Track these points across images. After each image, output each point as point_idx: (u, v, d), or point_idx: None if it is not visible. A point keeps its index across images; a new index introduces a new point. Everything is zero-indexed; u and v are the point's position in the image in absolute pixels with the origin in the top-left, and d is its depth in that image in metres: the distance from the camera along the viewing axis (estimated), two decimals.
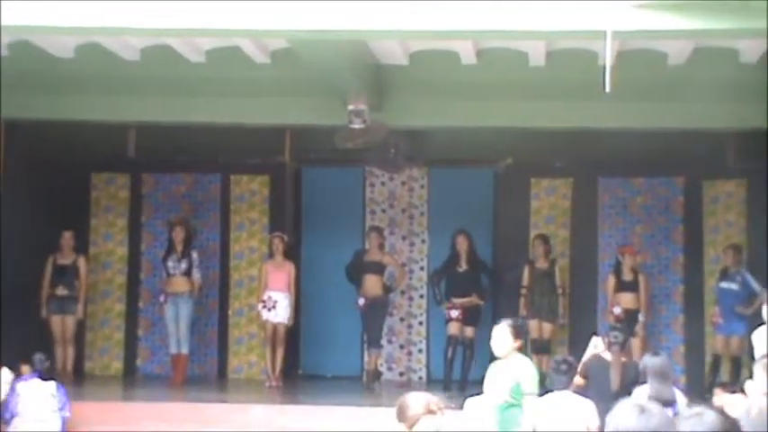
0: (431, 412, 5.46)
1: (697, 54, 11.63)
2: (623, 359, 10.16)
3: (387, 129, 12.90)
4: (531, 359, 14.49)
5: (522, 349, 9.38)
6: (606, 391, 9.59)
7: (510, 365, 8.98)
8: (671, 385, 8.93)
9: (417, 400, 5.54)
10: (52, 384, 11.03)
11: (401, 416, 5.49)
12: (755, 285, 13.94)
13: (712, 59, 11.78)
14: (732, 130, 13.58)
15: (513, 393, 8.90)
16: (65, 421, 11.04)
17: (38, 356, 11.22)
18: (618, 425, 3.88)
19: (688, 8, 8.41)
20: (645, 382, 8.92)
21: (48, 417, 10.86)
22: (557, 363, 9.38)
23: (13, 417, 10.77)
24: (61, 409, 11.00)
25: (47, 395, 10.91)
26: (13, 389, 10.77)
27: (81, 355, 15.17)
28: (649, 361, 9.01)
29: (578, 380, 9.90)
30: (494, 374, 9.08)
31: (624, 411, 3.89)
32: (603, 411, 8.27)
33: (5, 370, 10.50)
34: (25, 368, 11.14)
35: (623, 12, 8.35)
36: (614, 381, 9.83)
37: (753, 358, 8.91)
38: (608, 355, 10.17)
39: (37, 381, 10.97)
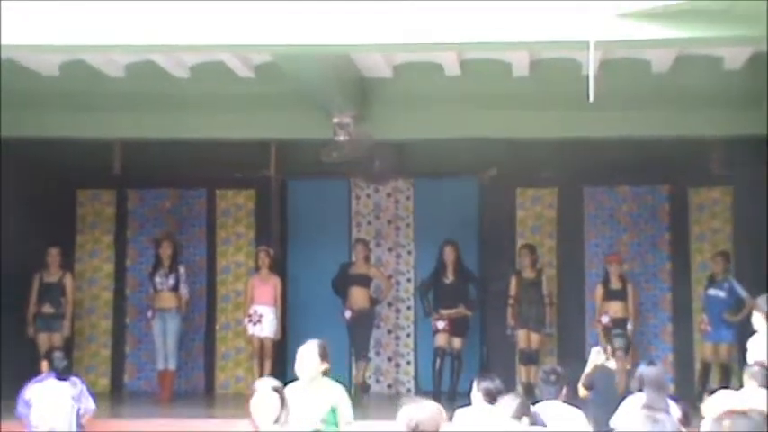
0: (443, 417, 5.47)
1: (680, 62, 11.66)
2: (627, 366, 10.13)
3: (372, 139, 12.88)
4: (520, 370, 14.66)
5: (328, 372, 8.55)
6: (612, 399, 9.58)
7: (320, 390, 8.35)
8: (666, 395, 8.93)
9: (432, 410, 5.53)
10: (67, 384, 10.88)
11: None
12: (742, 292, 13.98)
13: (696, 67, 11.82)
14: (716, 138, 13.60)
15: (326, 420, 8.33)
16: (80, 414, 10.86)
17: (56, 354, 11.09)
18: None
19: (670, 17, 8.43)
20: (639, 391, 8.91)
21: (62, 416, 10.71)
22: (545, 373, 9.37)
23: (25, 417, 10.65)
24: (80, 407, 10.81)
25: (62, 394, 10.76)
26: (21, 391, 10.69)
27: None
28: (646, 370, 8.99)
29: (582, 391, 9.91)
30: (299, 399, 8.00)
31: (637, 420, 3.88)
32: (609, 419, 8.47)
33: None
34: (44, 365, 11.01)
35: (606, 21, 8.37)
36: (620, 387, 9.80)
37: (744, 365, 8.90)
38: (611, 364, 10.19)
39: (52, 380, 10.83)
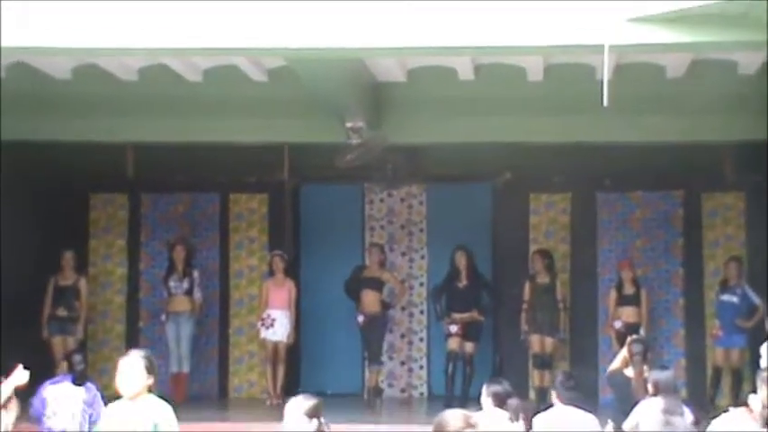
0: (470, 426, 5.40)
1: (695, 66, 11.63)
2: (645, 373, 10.13)
3: (386, 142, 12.86)
4: (533, 374, 14.65)
5: (152, 389, 7.44)
6: (628, 403, 9.60)
7: (142, 407, 7.29)
8: (680, 399, 8.95)
9: (456, 416, 5.49)
10: (82, 389, 10.79)
11: None
12: (755, 298, 13.96)
13: (710, 72, 11.78)
14: (730, 143, 13.58)
15: None
16: (92, 421, 10.77)
17: (76, 357, 10.99)
18: None
19: (685, 21, 8.41)
20: (653, 395, 8.93)
21: (73, 420, 10.64)
22: (565, 378, 9.38)
23: (39, 416, 10.58)
24: (92, 413, 10.71)
25: (75, 398, 10.68)
26: (38, 391, 10.63)
27: None
28: (660, 375, 9.05)
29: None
30: (119, 416, 7.37)
31: (652, 424, 3.96)
32: None
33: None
34: (64, 366, 10.93)
35: (620, 26, 8.35)
36: (637, 393, 9.83)
37: (756, 370, 8.90)
38: (629, 371, 10.25)
39: (67, 384, 10.76)
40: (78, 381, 10.75)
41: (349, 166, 13.01)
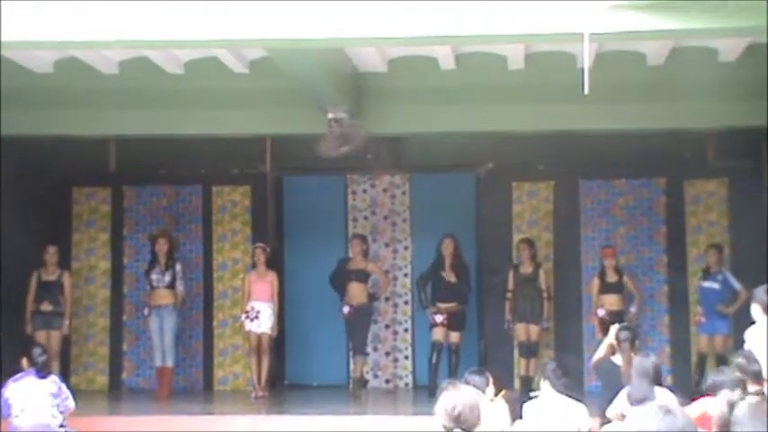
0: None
1: (676, 54, 11.66)
2: (633, 357, 10.15)
3: (366, 132, 12.84)
4: (519, 363, 14.66)
5: None
6: (617, 391, 9.62)
7: None
8: (651, 384, 8.94)
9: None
10: (46, 381, 10.70)
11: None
12: (736, 284, 14.01)
13: (691, 59, 11.82)
14: (712, 130, 13.61)
15: None
16: (61, 412, 10.69)
17: (36, 350, 10.85)
18: (642, 427, 3.89)
19: (665, 8, 8.41)
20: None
21: (43, 413, 10.55)
22: (552, 369, 9.37)
23: (8, 416, 10.49)
24: (59, 404, 10.65)
25: (41, 392, 10.60)
26: (2, 389, 10.55)
27: (66, 371, 15.07)
28: (635, 361, 9.13)
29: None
30: None
31: (649, 414, 3.90)
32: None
33: None
34: (24, 362, 10.81)
35: (600, 13, 8.34)
36: (626, 379, 9.85)
37: None
38: (618, 359, 10.28)
39: (31, 378, 10.65)
40: (42, 373, 10.66)
41: (331, 157, 12.99)
